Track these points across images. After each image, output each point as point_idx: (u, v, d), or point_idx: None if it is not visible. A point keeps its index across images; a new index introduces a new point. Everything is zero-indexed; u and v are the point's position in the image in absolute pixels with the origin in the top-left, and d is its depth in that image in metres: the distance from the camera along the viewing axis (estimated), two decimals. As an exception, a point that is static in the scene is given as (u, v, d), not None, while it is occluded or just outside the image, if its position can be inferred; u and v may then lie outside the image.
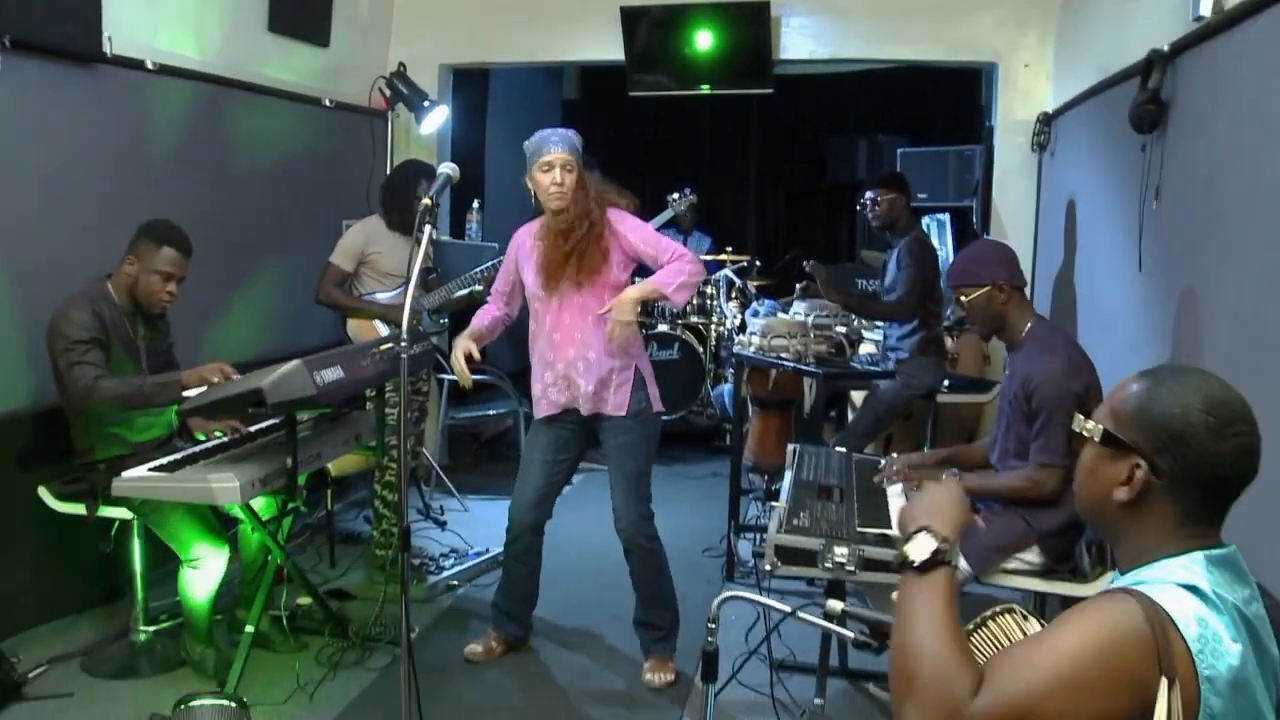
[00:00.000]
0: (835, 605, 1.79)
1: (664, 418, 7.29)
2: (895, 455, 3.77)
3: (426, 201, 2.61)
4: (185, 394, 3.52)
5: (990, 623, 1.66)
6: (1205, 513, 1.53)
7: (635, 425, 3.82)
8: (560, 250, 3.66)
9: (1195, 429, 1.49)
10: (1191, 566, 1.48)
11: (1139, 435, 1.53)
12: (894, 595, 1.57)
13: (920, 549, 1.56)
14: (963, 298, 3.48)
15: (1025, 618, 1.63)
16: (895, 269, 4.97)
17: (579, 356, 3.74)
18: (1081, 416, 1.62)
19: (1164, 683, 1.35)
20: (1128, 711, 1.36)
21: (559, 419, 3.87)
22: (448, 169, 3.00)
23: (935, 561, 1.55)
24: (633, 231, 3.74)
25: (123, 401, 3.62)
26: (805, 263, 5.08)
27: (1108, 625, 1.39)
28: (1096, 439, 1.59)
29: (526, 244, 3.84)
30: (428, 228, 2.61)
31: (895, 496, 3.43)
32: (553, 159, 3.62)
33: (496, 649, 4.04)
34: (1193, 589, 1.44)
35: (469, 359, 3.79)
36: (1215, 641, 1.39)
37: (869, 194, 5.01)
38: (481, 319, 3.97)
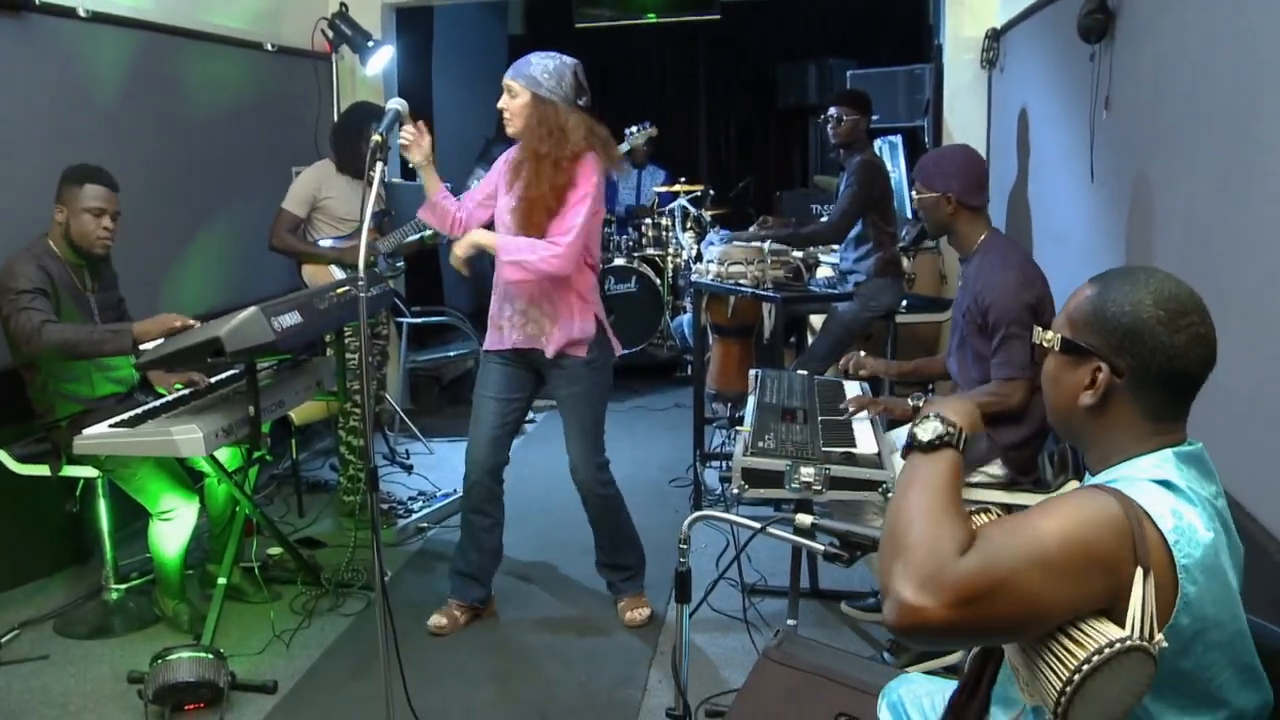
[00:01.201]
0: (805, 519, 1.81)
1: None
2: (862, 352, 3.79)
3: (376, 138, 2.57)
4: (141, 346, 3.47)
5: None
6: (1169, 408, 1.56)
7: (588, 372, 3.71)
8: (540, 183, 3.52)
9: (1148, 324, 1.52)
10: (1163, 464, 1.52)
11: (1096, 338, 1.56)
12: (874, 518, 1.59)
13: (928, 430, 1.60)
14: (915, 193, 3.51)
15: (999, 516, 1.66)
16: (842, 188, 4.99)
17: (543, 297, 3.62)
18: (1040, 329, 1.65)
19: (1139, 573, 1.38)
20: (1100, 593, 1.39)
21: (513, 357, 3.72)
22: (396, 104, 2.94)
23: (942, 443, 1.59)
24: (573, 181, 3.54)
25: (69, 346, 3.52)
26: (760, 218, 5.10)
27: (1086, 511, 1.42)
28: (1056, 348, 1.61)
29: (507, 167, 3.69)
30: (380, 165, 2.57)
31: (859, 418, 3.46)
32: (505, 83, 3.57)
33: (461, 618, 3.84)
34: (1165, 484, 1.48)
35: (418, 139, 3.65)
36: (1191, 531, 1.43)
37: (832, 110, 4.99)
38: (447, 199, 3.80)
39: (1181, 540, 1.42)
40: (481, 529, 3.85)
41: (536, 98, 3.52)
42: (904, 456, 1.63)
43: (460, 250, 3.51)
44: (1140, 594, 1.38)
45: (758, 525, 1.97)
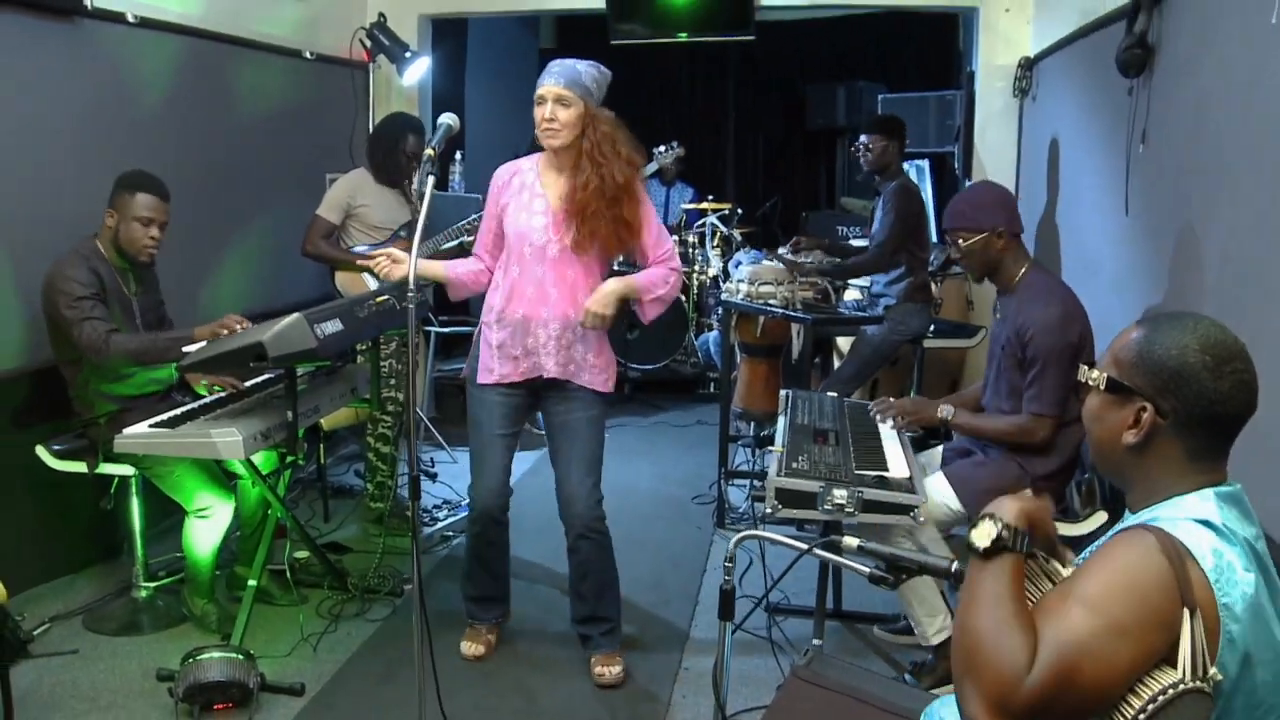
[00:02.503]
0: (851, 541, 1.84)
1: (648, 366, 7.47)
2: (889, 399, 3.82)
3: (430, 152, 2.62)
4: (186, 349, 3.53)
5: None
6: (1210, 450, 1.60)
7: (600, 402, 3.52)
8: (591, 205, 3.28)
9: (1194, 368, 1.56)
10: (1204, 503, 1.56)
11: (1141, 379, 1.60)
12: (902, 539, 1.61)
13: (983, 535, 1.59)
14: (960, 241, 3.47)
15: (1047, 559, 1.69)
16: (880, 214, 5.01)
17: (554, 318, 3.38)
18: (1085, 367, 1.70)
19: (1186, 614, 1.42)
20: (1161, 648, 1.44)
21: (515, 388, 3.49)
22: (448, 119, 2.97)
23: (998, 548, 1.58)
24: (640, 196, 3.40)
25: (136, 356, 3.63)
26: (794, 239, 5.12)
27: (1130, 569, 1.46)
28: (1101, 387, 1.66)
29: (517, 180, 3.46)
30: (431, 179, 2.61)
31: (890, 441, 3.48)
32: (545, 92, 3.28)
33: (493, 640, 3.73)
34: (1206, 523, 1.51)
35: (394, 260, 3.40)
36: (1230, 571, 1.46)
37: (862, 138, 5.02)
38: (457, 267, 3.60)
39: (1222, 579, 1.45)
40: (493, 557, 3.72)
41: (589, 109, 3.32)
42: (963, 561, 1.63)
43: (605, 308, 3.33)
44: (1190, 634, 1.41)
45: (804, 546, 1.99)
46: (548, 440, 3.63)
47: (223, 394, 3.85)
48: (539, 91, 3.30)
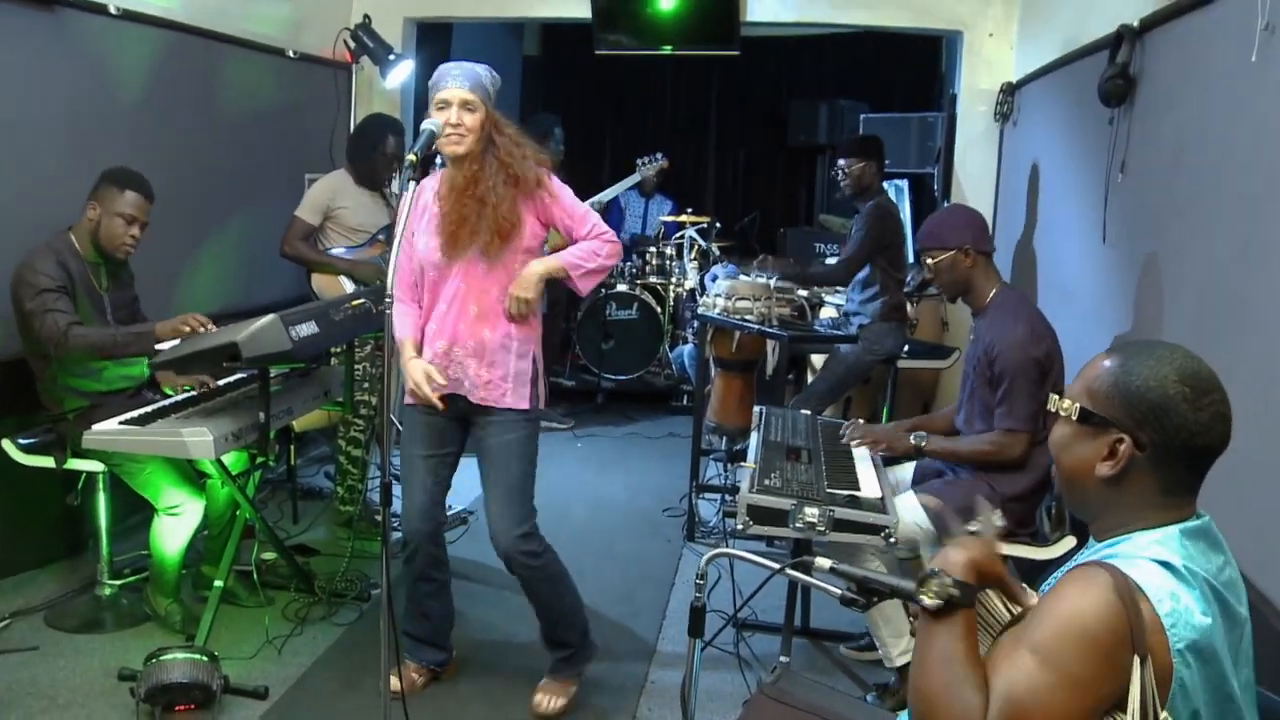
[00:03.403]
0: (824, 562, 1.84)
1: (621, 377, 7.47)
2: (860, 421, 3.83)
3: (411, 158, 2.60)
4: (158, 346, 3.50)
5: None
6: (1183, 484, 1.60)
7: (524, 423, 3.27)
8: (467, 209, 3.10)
9: (1174, 400, 1.55)
10: (1166, 542, 1.55)
11: (1118, 410, 1.59)
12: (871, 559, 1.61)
13: (933, 595, 1.56)
14: (929, 260, 3.52)
15: (1003, 643, 1.69)
16: (854, 231, 5.03)
17: (471, 335, 3.18)
18: (1055, 396, 1.68)
19: (1136, 662, 1.42)
20: (1112, 694, 1.44)
21: (436, 408, 3.23)
22: (431, 125, 2.95)
23: (950, 607, 1.56)
24: (551, 194, 3.23)
25: (95, 350, 3.60)
26: (757, 261, 5.12)
27: (1082, 615, 1.45)
28: (1074, 417, 1.64)
29: (420, 203, 3.21)
30: (412, 184, 2.59)
31: (862, 460, 3.49)
32: (449, 95, 3.06)
33: (419, 680, 3.49)
34: (1165, 565, 1.51)
35: (431, 379, 3.16)
36: (1186, 615, 1.46)
37: (840, 161, 5.04)
38: (406, 329, 3.27)
39: (1178, 624, 1.45)
40: (428, 594, 3.48)
41: (490, 113, 3.15)
42: (910, 615, 1.63)
43: (530, 293, 3.14)
44: (1139, 682, 1.42)
45: (776, 566, 1.99)
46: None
47: (192, 393, 3.82)
48: (440, 95, 3.08)
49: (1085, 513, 1.69)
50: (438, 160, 3.36)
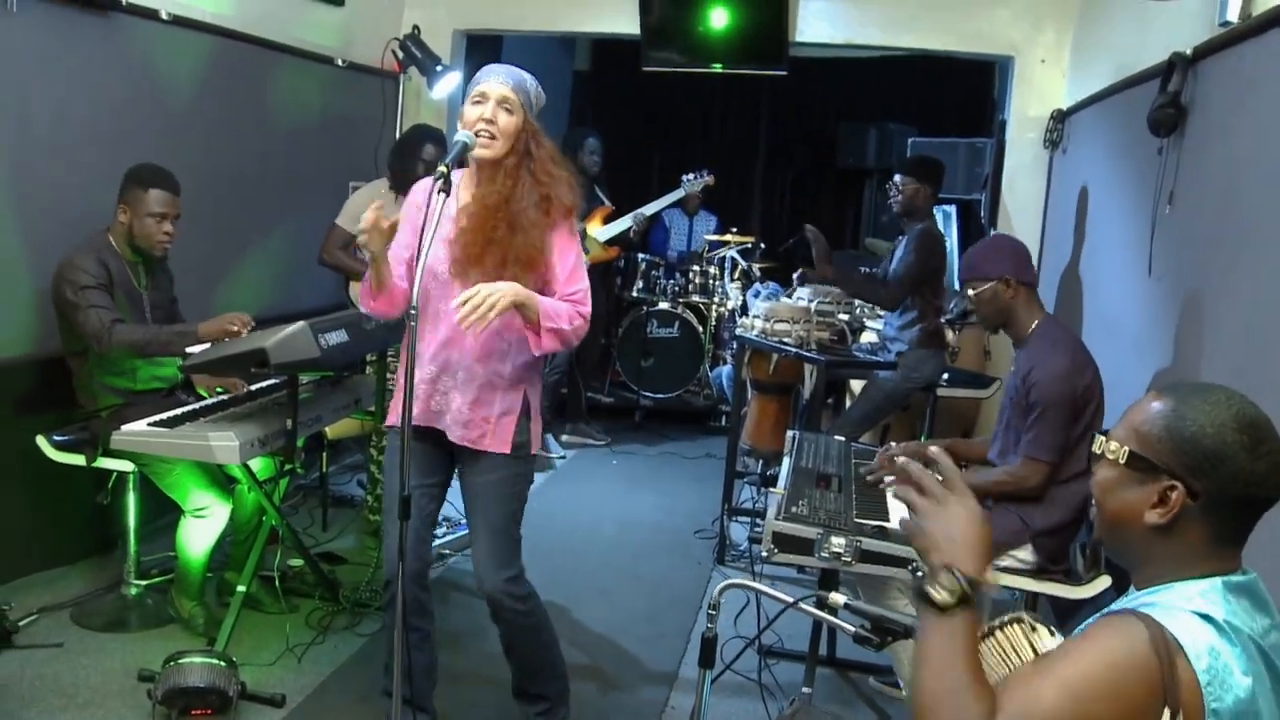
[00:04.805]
0: (838, 599, 1.79)
1: (660, 395, 7.44)
2: (893, 445, 3.77)
3: (442, 169, 2.57)
4: (194, 348, 3.52)
5: (998, 632, 1.65)
6: (1233, 535, 1.52)
7: (511, 461, 2.99)
8: (497, 231, 2.81)
9: (1231, 448, 1.47)
10: (1209, 595, 1.47)
11: (1171, 457, 1.51)
12: (902, 604, 1.56)
13: (944, 592, 1.48)
14: (970, 290, 3.48)
15: (1033, 627, 1.63)
16: (901, 253, 4.96)
17: (461, 366, 2.91)
18: (1103, 438, 1.60)
19: (1167, 713, 1.35)
20: None
21: (422, 435, 2.93)
22: (464, 137, 2.82)
23: (961, 604, 1.48)
24: (571, 230, 2.95)
25: (137, 347, 3.63)
26: (806, 227, 5.01)
27: (1114, 660, 1.38)
28: (1121, 460, 1.56)
29: (434, 204, 2.62)
30: (442, 196, 2.57)
31: (892, 496, 3.42)
32: (487, 89, 2.80)
33: None
34: (1207, 618, 1.43)
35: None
36: (1225, 674, 1.38)
37: (896, 177, 4.97)
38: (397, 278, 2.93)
39: (1214, 683, 1.37)
40: (411, 645, 2.99)
41: (529, 122, 2.89)
42: (915, 605, 1.55)
43: (503, 302, 2.67)
44: None
45: (790, 600, 1.95)
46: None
47: (224, 396, 3.83)
48: (480, 88, 2.82)
49: (1126, 559, 1.62)
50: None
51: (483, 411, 2.93)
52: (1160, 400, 1.56)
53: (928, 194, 4.96)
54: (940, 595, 1.48)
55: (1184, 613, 1.44)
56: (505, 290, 2.68)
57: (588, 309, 2.92)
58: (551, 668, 3.19)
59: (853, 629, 1.74)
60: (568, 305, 2.86)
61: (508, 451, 2.97)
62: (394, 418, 2.94)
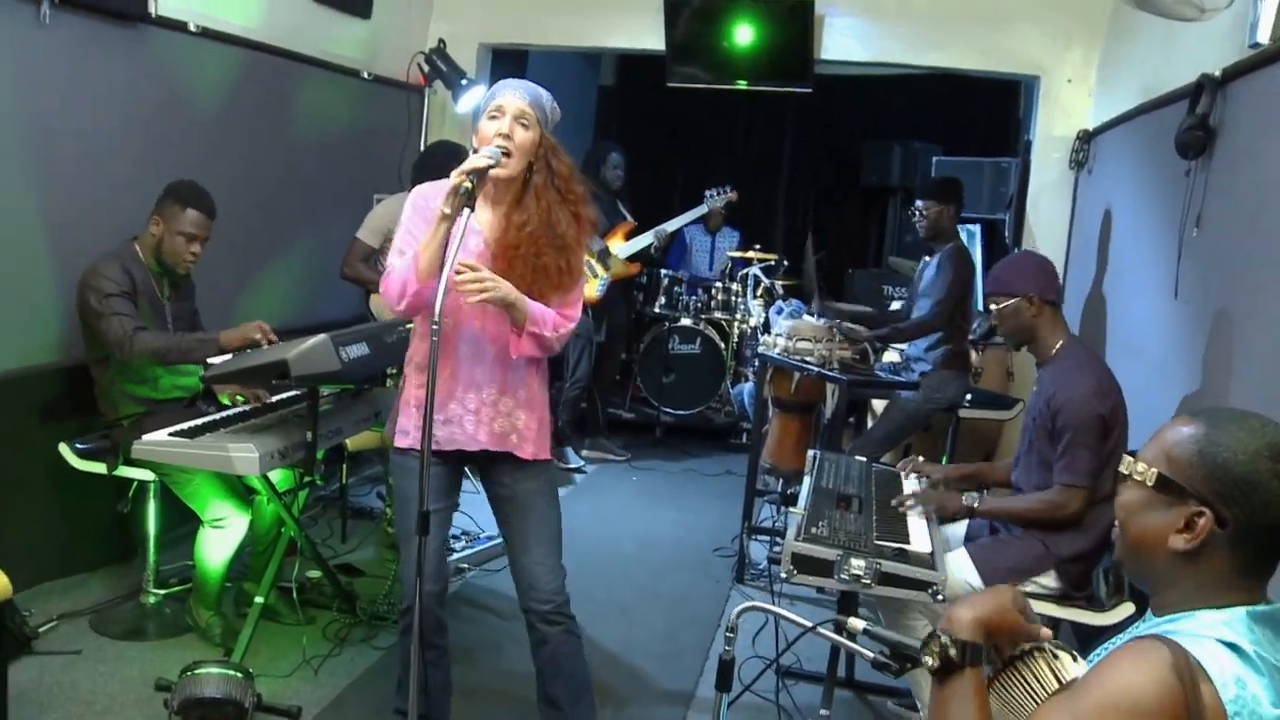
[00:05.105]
0: (856, 624, 1.77)
1: (681, 412, 7.42)
2: (920, 458, 3.74)
3: (468, 185, 2.57)
4: (216, 359, 3.54)
5: (1019, 662, 1.62)
6: (1259, 565, 1.50)
7: (546, 468, 3.01)
8: (537, 255, 2.79)
9: (1264, 477, 1.45)
10: (1233, 624, 1.44)
11: (1201, 482, 1.49)
12: (922, 627, 1.55)
13: (933, 654, 1.53)
14: (993, 305, 3.46)
15: (1055, 654, 1.60)
16: (934, 274, 4.93)
17: (521, 382, 2.90)
18: (1130, 458, 1.58)
19: None
20: None
21: (443, 457, 2.90)
22: (488, 153, 2.73)
23: (947, 669, 1.52)
24: (584, 243, 2.95)
25: (159, 354, 3.65)
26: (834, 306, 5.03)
27: (1134, 692, 1.36)
28: (1150, 483, 1.53)
29: (459, 223, 2.60)
30: (466, 211, 2.56)
31: (916, 516, 3.39)
32: (504, 103, 2.75)
33: None
34: (1233, 647, 1.40)
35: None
36: (1254, 704, 1.36)
37: (918, 203, 4.96)
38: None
39: (1242, 713, 1.35)
40: (429, 663, 2.98)
41: (546, 137, 2.84)
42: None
43: (495, 292, 2.67)
44: None
45: (808, 624, 1.93)
46: (495, 519, 3.11)
47: (245, 406, 3.84)
48: (496, 102, 2.77)
49: (1147, 583, 1.59)
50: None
51: (520, 420, 2.92)
52: (1193, 424, 1.54)
53: (951, 214, 4.94)
54: (928, 659, 1.52)
55: (1208, 640, 1.41)
56: (503, 285, 2.69)
57: (576, 314, 2.91)
58: (590, 689, 3.11)
59: (872, 655, 1.72)
60: (554, 313, 2.84)
61: (549, 458, 3.00)
62: (408, 440, 2.89)
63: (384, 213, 4.88)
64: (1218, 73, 3.49)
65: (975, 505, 3.38)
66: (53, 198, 3.91)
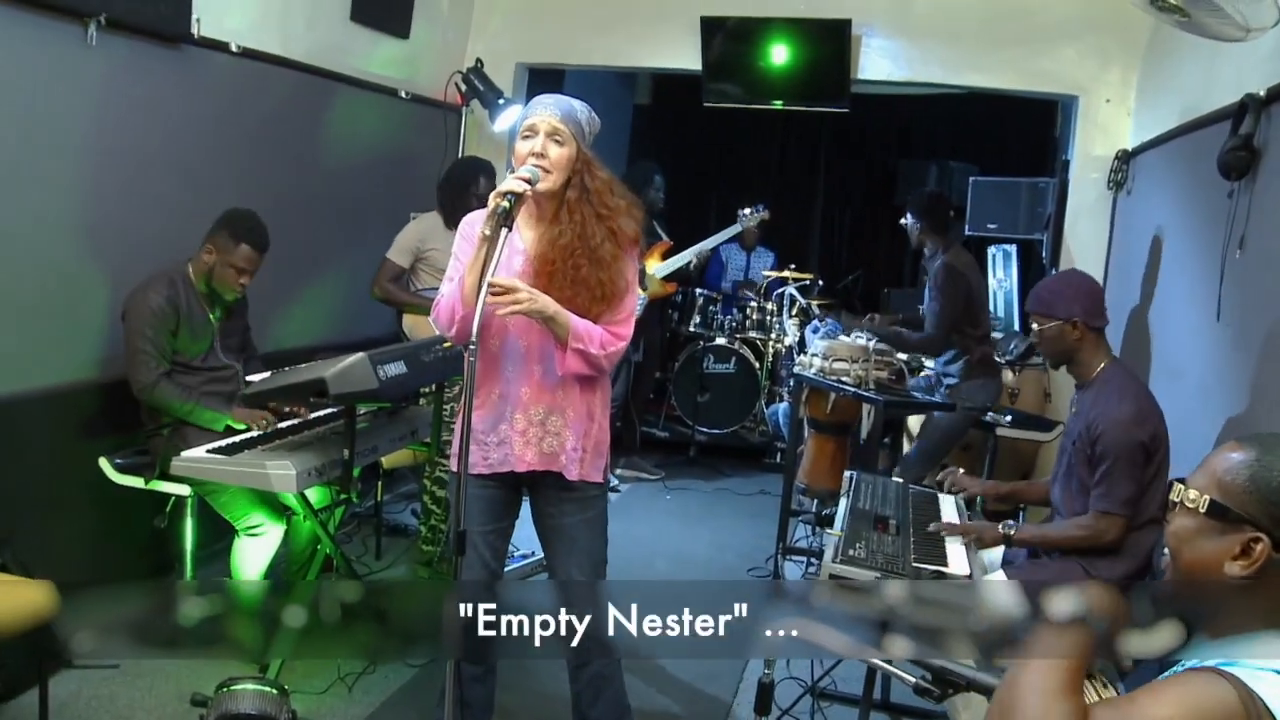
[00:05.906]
0: (900, 648, 1.76)
1: (715, 431, 7.41)
2: (960, 470, 3.70)
3: (505, 205, 2.58)
4: (249, 377, 3.58)
5: None
6: None
7: (601, 494, 3.00)
8: (575, 268, 2.78)
9: None
10: None
11: (1256, 508, 1.47)
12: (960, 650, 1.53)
13: (1066, 604, 1.52)
14: (1035, 325, 3.42)
15: (1105, 685, 1.58)
16: (928, 296, 4.96)
17: (569, 401, 2.85)
18: (1181, 485, 1.56)
19: None
20: None
21: (491, 479, 2.91)
22: (527, 171, 2.71)
23: (1078, 621, 1.51)
24: (631, 268, 2.89)
25: (172, 410, 3.76)
26: (869, 317, 5.06)
27: (1203, 704, 1.34)
28: (1202, 510, 1.52)
29: (500, 242, 2.56)
30: (504, 230, 2.56)
31: (952, 542, 3.36)
32: (536, 122, 2.75)
33: None
34: None
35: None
36: None
37: (902, 220, 5.05)
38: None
39: None
40: (472, 678, 2.98)
41: (581, 152, 2.82)
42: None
43: (523, 308, 2.67)
44: None
45: (848, 647, 1.91)
46: (541, 544, 3.11)
47: (269, 429, 3.84)
48: (529, 122, 2.77)
49: (1200, 611, 1.56)
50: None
51: (570, 441, 2.87)
52: (1243, 449, 1.52)
53: (928, 228, 4.96)
54: (1061, 604, 1.51)
55: (1266, 673, 1.39)
56: (541, 298, 2.69)
57: (626, 333, 2.86)
58: (630, 713, 3.09)
59: (913, 680, 1.70)
60: (601, 330, 2.80)
61: (601, 480, 2.97)
62: (455, 462, 2.77)
63: (413, 232, 4.91)
64: (1262, 93, 3.46)
65: (1012, 533, 3.34)
66: (96, 216, 3.95)
